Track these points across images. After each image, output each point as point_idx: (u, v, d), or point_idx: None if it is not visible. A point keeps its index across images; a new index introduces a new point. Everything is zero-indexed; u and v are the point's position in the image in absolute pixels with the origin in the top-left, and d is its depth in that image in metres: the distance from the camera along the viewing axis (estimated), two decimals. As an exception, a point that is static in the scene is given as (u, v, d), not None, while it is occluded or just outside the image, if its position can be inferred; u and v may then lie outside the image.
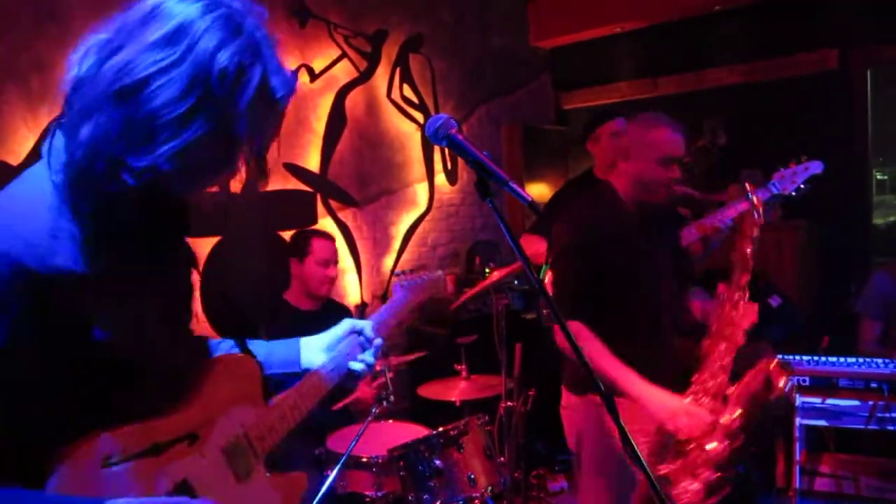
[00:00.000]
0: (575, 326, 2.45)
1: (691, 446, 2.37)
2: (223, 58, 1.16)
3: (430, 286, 2.18)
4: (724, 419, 2.36)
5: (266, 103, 1.24)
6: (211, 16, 1.18)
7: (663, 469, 2.40)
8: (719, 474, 2.35)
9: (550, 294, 2.46)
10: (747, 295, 2.50)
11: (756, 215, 2.53)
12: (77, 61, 1.20)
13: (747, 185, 2.61)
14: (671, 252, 2.74)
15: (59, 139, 1.22)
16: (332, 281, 3.62)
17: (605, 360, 2.40)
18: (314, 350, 1.74)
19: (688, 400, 2.40)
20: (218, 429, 1.45)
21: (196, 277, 1.60)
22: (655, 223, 2.65)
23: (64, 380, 1.22)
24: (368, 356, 1.77)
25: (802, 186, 3.40)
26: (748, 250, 2.51)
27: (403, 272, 2.18)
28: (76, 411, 1.24)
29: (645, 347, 2.53)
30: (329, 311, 3.63)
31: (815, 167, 3.39)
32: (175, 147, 1.16)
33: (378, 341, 1.82)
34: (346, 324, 1.79)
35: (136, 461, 1.29)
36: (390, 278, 5.01)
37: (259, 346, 1.72)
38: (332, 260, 3.59)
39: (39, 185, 1.21)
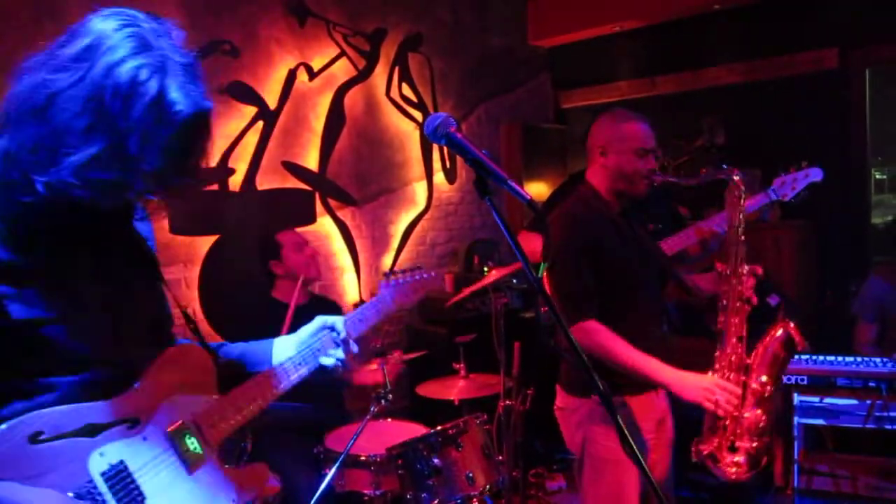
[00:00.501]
0: (590, 325, 2.46)
1: (727, 421, 2.42)
2: (119, 73, 1.21)
3: (420, 287, 2.16)
4: (753, 386, 2.44)
5: (160, 118, 1.24)
6: (122, 33, 1.24)
7: (705, 448, 2.44)
8: (758, 443, 2.41)
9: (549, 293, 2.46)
10: (745, 265, 2.55)
11: (742, 192, 2.59)
12: (15, 78, 1.27)
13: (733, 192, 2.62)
14: (655, 244, 2.80)
15: None
16: (315, 258, 3.68)
17: (630, 354, 2.42)
18: (285, 348, 1.76)
19: (716, 377, 2.44)
20: (161, 414, 1.46)
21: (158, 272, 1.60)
22: (636, 215, 2.73)
23: None
24: (339, 352, 1.79)
25: (802, 193, 3.42)
26: (736, 220, 2.56)
27: (394, 272, 2.15)
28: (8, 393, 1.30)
29: (646, 338, 2.52)
30: (318, 306, 3.64)
31: (815, 174, 3.41)
32: (75, 163, 1.21)
33: (351, 337, 1.84)
34: (317, 320, 1.81)
35: (68, 440, 1.31)
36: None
37: (234, 348, 1.76)
38: (303, 241, 3.67)
39: None
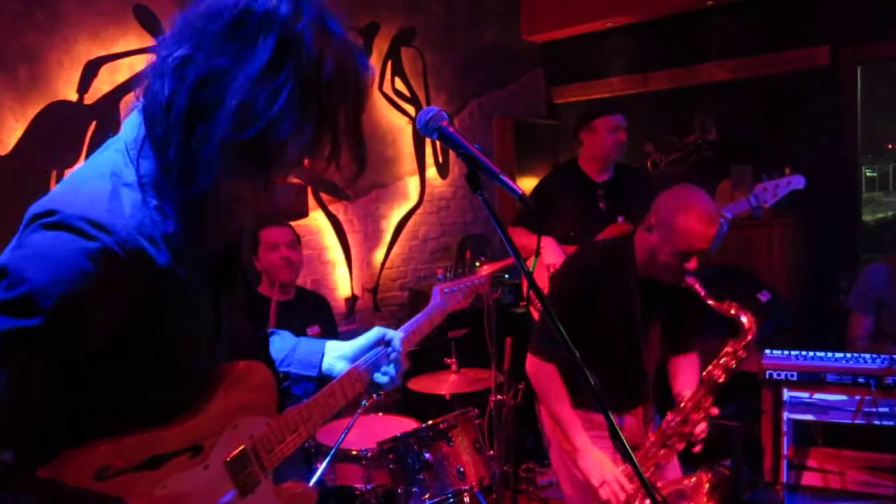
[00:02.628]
0: (548, 369, 2.57)
1: None
2: (328, 68, 1.13)
3: (472, 292, 2.15)
4: None
5: (362, 93, 1.22)
6: (305, 20, 1.13)
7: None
8: None
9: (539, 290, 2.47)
10: (704, 417, 2.44)
11: (746, 343, 2.44)
12: (155, 79, 1.14)
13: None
14: (673, 320, 2.68)
15: (147, 140, 1.18)
16: (291, 263, 3.52)
17: (559, 404, 2.52)
18: (337, 357, 1.68)
19: (619, 471, 2.42)
20: (224, 441, 1.38)
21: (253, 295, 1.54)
22: (663, 293, 2.56)
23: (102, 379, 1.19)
24: (392, 369, 1.70)
25: (783, 200, 3.46)
26: (719, 378, 2.44)
27: (446, 276, 2.10)
28: (86, 415, 1.20)
29: (615, 404, 2.54)
30: (305, 301, 3.63)
31: (798, 182, 3.43)
32: (288, 162, 1.21)
33: (405, 352, 1.76)
34: (375, 332, 1.72)
35: (132, 474, 1.23)
36: (381, 271, 5.00)
37: (286, 340, 1.68)
38: (282, 242, 3.51)
39: (123, 175, 1.16)
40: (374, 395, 3.00)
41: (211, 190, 1.14)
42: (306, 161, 1.24)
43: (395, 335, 1.73)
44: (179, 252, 1.18)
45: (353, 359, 1.68)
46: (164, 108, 1.12)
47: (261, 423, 1.46)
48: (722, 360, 2.45)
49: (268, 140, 1.11)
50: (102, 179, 1.14)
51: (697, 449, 2.47)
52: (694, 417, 2.44)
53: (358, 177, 1.30)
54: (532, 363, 2.62)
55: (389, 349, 1.71)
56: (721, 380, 2.43)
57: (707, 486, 2.40)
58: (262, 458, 1.45)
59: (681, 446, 2.47)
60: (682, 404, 2.46)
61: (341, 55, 1.16)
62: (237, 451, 1.40)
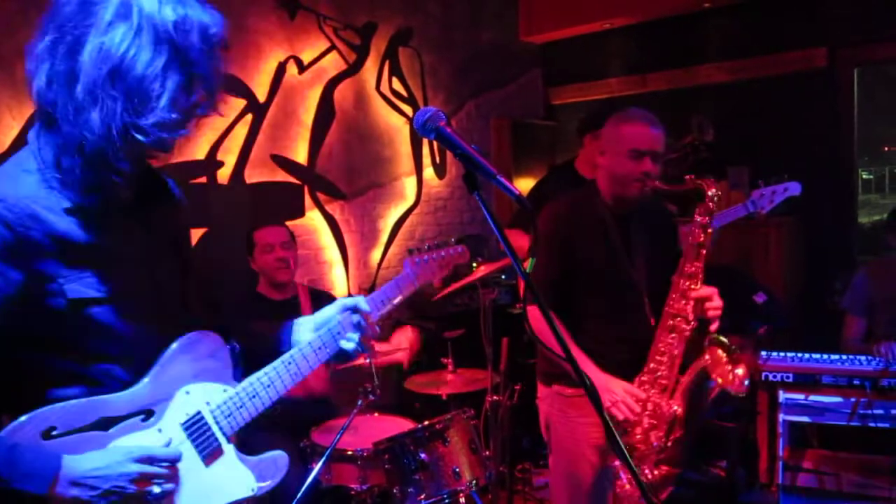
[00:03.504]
0: (537, 312, 2.48)
1: (637, 439, 2.42)
2: (166, 14, 1.33)
3: (446, 262, 2.11)
4: (667, 409, 2.42)
5: (209, 40, 1.40)
6: None
7: (611, 461, 2.46)
8: (658, 474, 2.40)
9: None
10: (698, 284, 2.45)
11: (712, 196, 2.47)
12: (34, 71, 1.35)
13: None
14: (657, 250, 2.71)
15: (42, 133, 1.37)
16: (287, 263, 3.55)
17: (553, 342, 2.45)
18: (305, 330, 1.72)
19: (630, 385, 2.45)
20: (175, 405, 1.46)
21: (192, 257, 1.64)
22: (639, 222, 2.65)
23: (35, 338, 1.33)
24: (356, 335, 1.71)
25: (779, 207, 3.48)
26: (700, 237, 2.46)
27: (419, 249, 2.10)
28: (36, 377, 1.34)
29: (612, 346, 2.56)
30: (298, 301, 3.63)
31: (794, 189, 3.47)
32: (169, 98, 1.33)
33: (372, 318, 1.78)
34: (338, 302, 1.75)
35: (81, 434, 1.32)
36: (377, 271, 5.00)
37: (256, 326, 1.74)
38: (277, 243, 3.54)
39: (25, 165, 1.37)
40: (370, 395, 3.02)
41: (109, 129, 1.31)
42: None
43: (359, 299, 1.75)
44: (88, 219, 1.36)
45: (319, 328, 1.71)
46: (46, 86, 1.32)
47: (217, 389, 1.53)
48: (697, 220, 2.47)
49: (130, 76, 1.30)
50: (7, 166, 1.37)
51: (714, 327, 2.44)
52: (688, 288, 2.44)
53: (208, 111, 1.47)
54: (531, 314, 2.56)
55: (355, 315, 1.72)
56: (700, 239, 2.46)
57: (724, 354, 2.40)
58: (220, 422, 1.51)
59: (688, 329, 2.44)
60: (674, 281, 2.47)
61: (180, 7, 1.36)
62: (192, 414, 1.47)
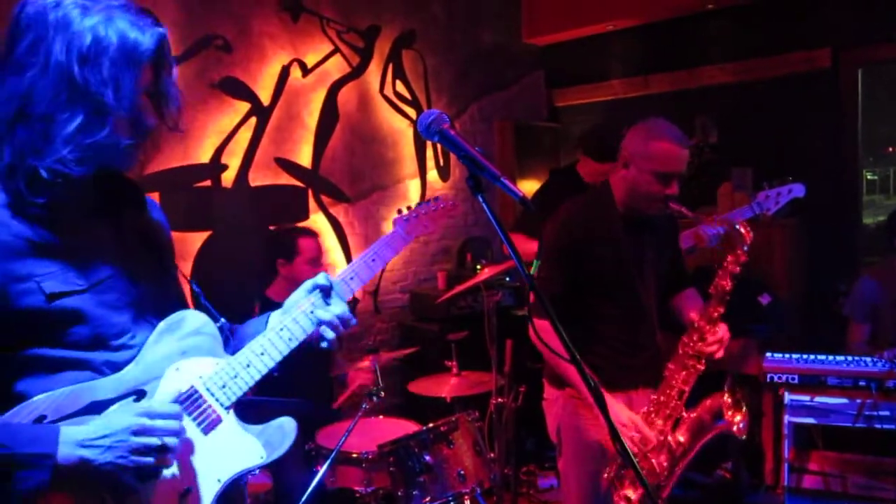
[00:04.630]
0: (546, 324, 2.49)
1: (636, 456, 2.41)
2: (78, 41, 1.31)
3: (439, 215, 2.09)
4: (671, 440, 2.43)
5: (128, 61, 1.35)
6: (59, 9, 1.33)
7: (607, 474, 2.46)
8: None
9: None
10: (718, 326, 2.46)
11: (744, 248, 2.47)
12: None
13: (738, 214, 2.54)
14: (663, 256, 2.72)
15: None
16: None
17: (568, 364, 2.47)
18: (278, 313, 1.69)
19: (638, 416, 2.45)
20: (166, 383, 1.47)
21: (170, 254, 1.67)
22: (647, 228, 2.63)
23: (14, 336, 1.34)
24: (335, 307, 1.65)
25: (784, 208, 3.48)
26: (727, 286, 2.46)
27: (409, 206, 2.08)
28: (19, 372, 1.35)
29: (621, 351, 2.58)
30: None
31: (798, 190, 3.47)
32: (67, 135, 1.31)
33: (349, 284, 1.76)
34: (306, 283, 1.71)
35: (74, 419, 1.33)
36: (381, 274, 5.01)
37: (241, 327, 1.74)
38: (320, 257, 3.59)
39: None
40: (375, 398, 3.02)
41: (14, 169, 1.33)
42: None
43: (319, 275, 1.70)
44: (52, 215, 1.38)
45: (289, 305, 1.69)
46: None
47: (208, 362, 1.54)
48: (728, 270, 2.47)
49: (34, 116, 1.31)
50: None
51: (719, 355, 2.46)
52: (708, 331, 2.45)
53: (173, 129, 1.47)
54: (538, 326, 2.56)
55: (318, 288, 1.68)
56: (729, 287, 2.45)
57: (729, 399, 2.41)
58: (215, 394, 1.52)
59: (701, 367, 2.46)
60: (696, 323, 2.47)
61: (101, 27, 1.33)
62: (186, 389, 1.49)
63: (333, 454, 2.75)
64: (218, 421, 1.51)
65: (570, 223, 2.61)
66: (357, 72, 4.84)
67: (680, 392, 2.47)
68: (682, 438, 2.44)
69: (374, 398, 3.07)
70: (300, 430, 3.12)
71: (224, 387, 1.53)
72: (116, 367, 1.43)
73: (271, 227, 4.32)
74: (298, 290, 1.69)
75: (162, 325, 1.51)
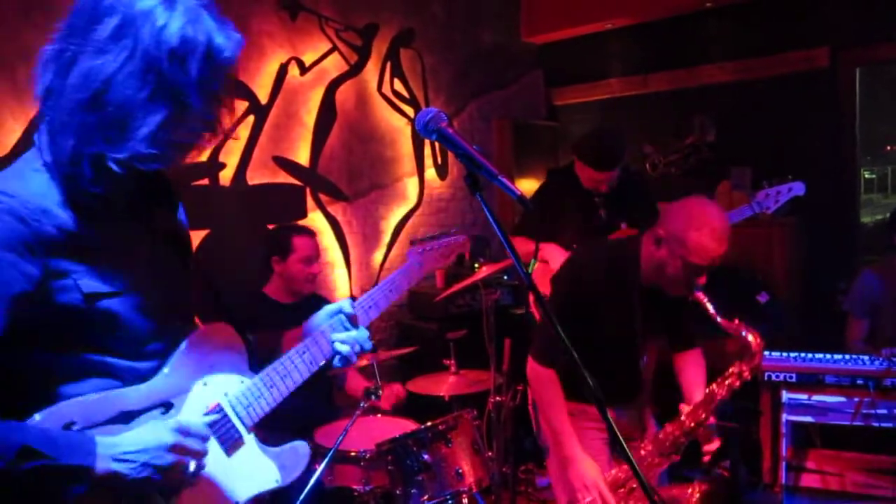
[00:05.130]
0: (547, 375, 2.56)
1: None
2: (168, 37, 1.27)
3: (449, 251, 2.13)
4: None
5: (216, 66, 1.33)
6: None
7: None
8: None
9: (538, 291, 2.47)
10: (698, 431, 2.46)
11: (752, 366, 2.44)
12: (39, 75, 1.32)
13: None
14: (672, 321, 2.68)
15: (44, 135, 1.34)
16: (315, 278, 3.60)
17: (554, 412, 2.52)
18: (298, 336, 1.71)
19: (604, 479, 2.45)
20: (193, 397, 1.45)
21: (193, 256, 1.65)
22: (663, 299, 2.55)
23: (46, 335, 1.31)
24: (351, 333, 1.69)
25: (784, 206, 3.47)
26: (721, 395, 2.43)
27: (421, 239, 2.11)
28: (46, 375, 1.32)
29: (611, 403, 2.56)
30: (309, 304, 3.62)
31: (798, 189, 3.47)
32: (147, 133, 1.28)
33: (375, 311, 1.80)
34: (325, 308, 1.74)
35: (103, 427, 1.31)
36: (380, 272, 5.00)
37: None
38: (316, 256, 3.57)
39: (33, 164, 1.35)
40: (373, 397, 3.02)
41: (80, 155, 1.29)
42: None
43: (343, 302, 1.74)
44: (92, 216, 1.34)
45: (309, 330, 1.70)
46: (43, 94, 1.31)
47: (234, 380, 1.52)
48: (727, 381, 2.43)
49: (111, 104, 1.26)
50: (18, 165, 1.35)
51: (706, 458, 2.49)
52: (693, 432, 2.45)
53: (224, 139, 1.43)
54: (532, 368, 2.63)
55: (341, 315, 1.71)
56: (724, 398, 2.43)
57: (697, 496, 2.41)
58: (239, 413, 1.51)
59: (677, 458, 2.48)
60: (683, 419, 2.46)
61: (187, 27, 1.29)
62: (213, 406, 1.46)
63: (331, 453, 2.75)
64: (241, 442, 1.50)
65: (590, 278, 2.55)
66: (355, 70, 4.84)
67: (649, 466, 2.47)
68: None
69: (373, 397, 3.06)
70: (299, 429, 3.11)
71: (248, 406, 1.52)
72: (138, 374, 1.40)
73: (270, 227, 4.32)
74: (322, 313, 1.71)
75: (194, 336, 1.48)
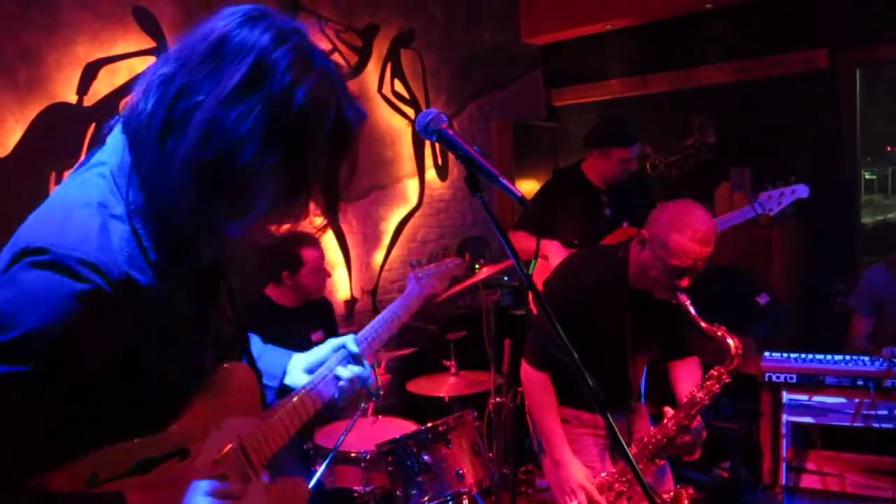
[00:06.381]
0: (539, 378, 2.58)
1: None
2: (300, 98, 1.10)
3: (445, 275, 2.16)
4: None
5: (342, 137, 1.20)
6: (284, 48, 1.11)
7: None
8: None
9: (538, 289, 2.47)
10: (682, 439, 2.45)
11: (730, 369, 2.42)
12: (140, 94, 1.14)
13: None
14: (665, 330, 2.67)
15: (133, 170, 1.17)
16: (326, 281, 3.69)
17: (546, 415, 2.54)
18: (299, 369, 1.66)
19: (591, 484, 2.44)
20: (210, 442, 1.39)
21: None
22: (655, 304, 2.54)
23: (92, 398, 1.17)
24: (354, 368, 1.65)
25: (787, 208, 3.46)
26: (703, 400, 2.42)
27: (420, 262, 2.15)
28: (75, 430, 1.18)
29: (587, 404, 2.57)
30: (313, 307, 3.63)
31: (801, 191, 3.45)
32: (266, 204, 1.14)
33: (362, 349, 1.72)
34: (328, 344, 1.69)
35: (123, 480, 1.23)
36: (380, 273, 5.00)
37: (255, 346, 1.66)
38: (323, 265, 3.60)
39: (114, 209, 1.16)
40: (374, 398, 3.02)
41: (184, 215, 1.14)
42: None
43: (347, 338, 1.68)
44: (164, 272, 1.18)
45: (311, 370, 1.65)
46: (145, 124, 1.12)
47: (247, 422, 1.47)
48: (707, 383, 2.43)
49: (232, 163, 1.08)
50: (90, 210, 1.13)
51: (696, 456, 2.49)
52: (675, 437, 2.44)
53: (328, 225, 1.32)
54: (525, 371, 2.64)
55: (344, 351, 1.67)
56: (705, 402, 2.43)
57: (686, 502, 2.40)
58: (250, 455, 1.46)
59: (662, 463, 2.50)
60: (665, 422, 2.46)
61: (319, 89, 1.13)
62: (225, 450, 1.41)
63: (332, 454, 2.75)
64: (247, 481, 1.46)
65: (579, 286, 2.55)
66: (355, 71, 4.84)
67: (632, 477, 2.45)
68: None
69: (373, 398, 3.07)
70: (299, 430, 3.12)
71: (257, 449, 1.48)
72: (161, 422, 1.30)
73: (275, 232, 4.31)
74: (324, 347, 1.68)
75: (216, 376, 1.41)
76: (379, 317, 1.87)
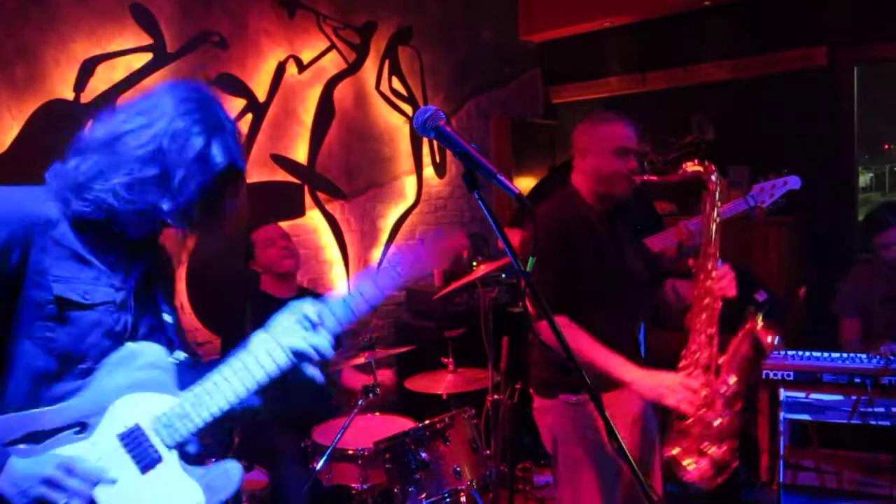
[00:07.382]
0: (561, 321, 2.41)
1: (691, 422, 2.34)
2: (178, 125, 1.52)
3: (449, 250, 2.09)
4: (722, 389, 2.35)
5: (203, 165, 1.52)
6: (187, 95, 1.57)
7: (669, 451, 2.36)
8: (724, 449, 2.33)
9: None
10: (717, 263, 2.45)
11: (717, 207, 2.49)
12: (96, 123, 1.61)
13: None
14: (640, 245, 2.75)
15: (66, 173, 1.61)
16: (293, 253, 3.64)
17: (595, 352, 2.39)
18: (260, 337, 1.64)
19: (680, 375, 2.37)
20: (110, 417, 1.46)
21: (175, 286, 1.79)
22: (622, 216, 2.69)
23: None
24: (312, 337, 1.61)
25: (779, 200, 3.45)
26: (713, 224, 2.47)
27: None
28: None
29: (615, 339, 2.50)
30: (304, 295, 3.63)
31: (794, 182, 3.44)
32: (128, 181, 1.51)
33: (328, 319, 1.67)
34: (292, 307, 1.67)
35: (13, 447, 1.35)
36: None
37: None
38: (276, 236, 3.62)
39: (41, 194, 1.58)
40: (371, 395, 3.02)
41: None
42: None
43: (307, 304, 1.66)
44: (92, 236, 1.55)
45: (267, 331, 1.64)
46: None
47: (156, 399, 1.51)
48: (708, 208, 2.49)
49: (120, 148, 1.54)
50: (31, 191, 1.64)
51: (732, 292, 2.46)
52: (710, 268, 2.45)
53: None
54: (544, 326, 2.54)
55: (301, 316, 1.64)
56: (720, 219, 2.48)
57: (759, 324, 2.37)
58: (160, 433, 1.49)
59: (718, 305, 2.42)
60: (696, 264, 2.48)
61: (197, 128, 1.53)
62: (130, 426, 1.47)
63: (329, 451, 2.75)
64: (157, 461, 1.48)
65: (552, 215, 2.59)
66: (353, 68, 4.83)
67: (709, 337, 2.40)
68: (731, 381, 2.36)
69: (371, 395, 3.07)
70: (297, 428, 3.12)
71: (169, 426, 1.49)
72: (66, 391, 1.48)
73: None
74: (283, 314, 1.65)
75: (115, 355, 1.49)
76: (350, 293, 1.73)
